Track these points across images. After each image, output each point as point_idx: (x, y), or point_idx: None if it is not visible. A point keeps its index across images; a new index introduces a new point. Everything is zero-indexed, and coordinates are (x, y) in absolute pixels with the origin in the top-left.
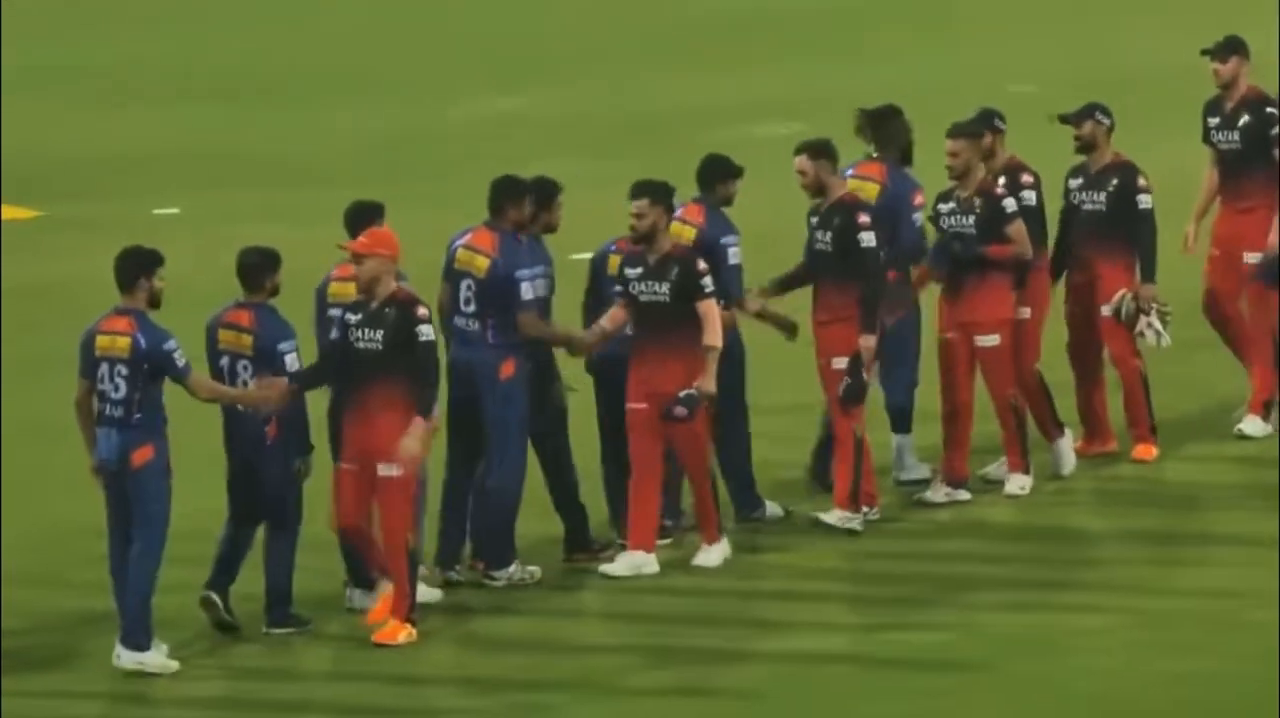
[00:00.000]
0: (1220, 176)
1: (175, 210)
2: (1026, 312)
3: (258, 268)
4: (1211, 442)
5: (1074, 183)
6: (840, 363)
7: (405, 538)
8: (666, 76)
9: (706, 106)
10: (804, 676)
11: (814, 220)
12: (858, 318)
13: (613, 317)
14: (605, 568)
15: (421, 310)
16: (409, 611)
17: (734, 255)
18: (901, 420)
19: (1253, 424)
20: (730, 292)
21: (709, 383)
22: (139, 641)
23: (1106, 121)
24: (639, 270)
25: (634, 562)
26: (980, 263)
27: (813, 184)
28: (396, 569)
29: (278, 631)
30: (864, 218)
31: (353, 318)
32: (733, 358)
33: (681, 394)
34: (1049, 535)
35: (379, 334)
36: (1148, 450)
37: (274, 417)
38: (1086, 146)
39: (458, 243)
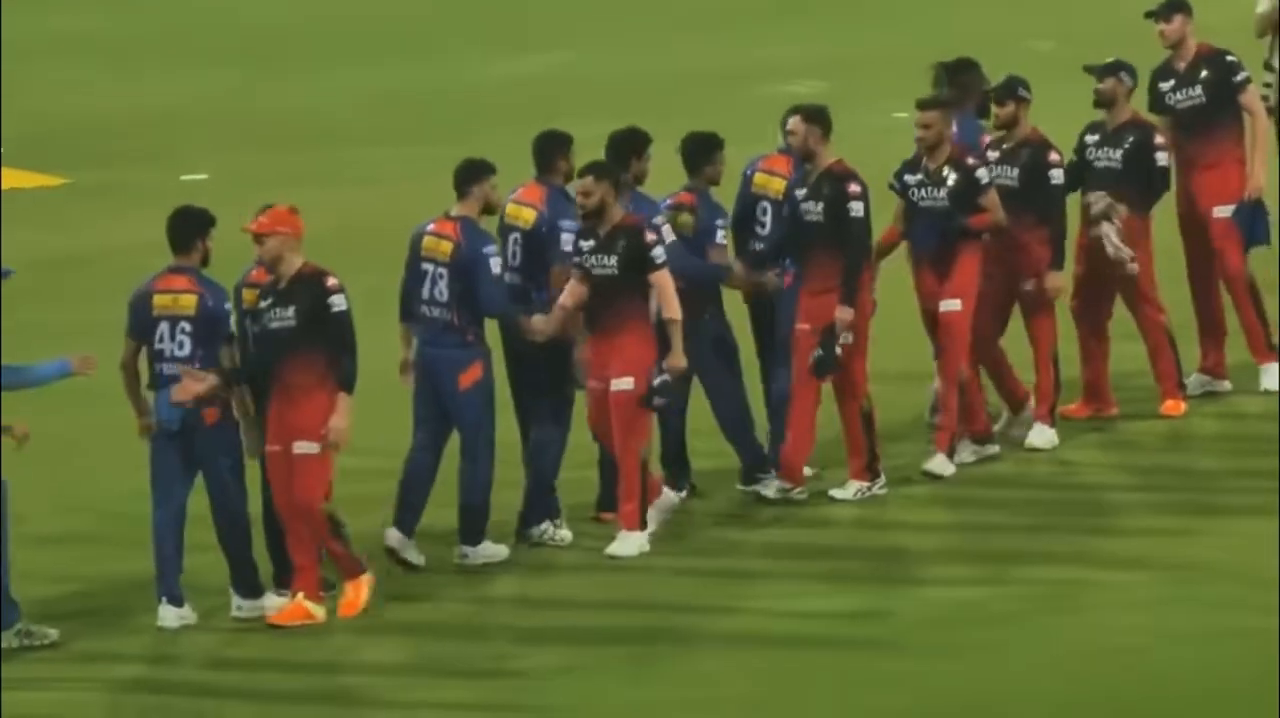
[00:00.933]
0: (1181, 138)
1: (203, 176)
2: (1059, 288)
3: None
4: (1237, 397)
5: (1090, 139)
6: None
7: (321, 511)
8: (699, 37)
9: (740, 67)
10: (828, 634)
11: (801, 192)
12: (839, 288)
13: (572, 291)
14: (611, 549)
15: (331, 281)
16: (357, 564)
17: (720, 237)
18: None
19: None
20: (719, 274)
21: (675, 358)
22: (253, 585)
23: (1129, 82)
24: (590, 243)
25: (636, 541)
26: (962, 234)
27: (801, 146)
28: (312, 550)
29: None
30: (854, 187)
31: (263, 301)
32: (720, 334)
33: (655, 383)
34: (1073, 494)
35: (290, 311)
36: (1176, 406)
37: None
38: (1105, 102)
39: (507, 199)
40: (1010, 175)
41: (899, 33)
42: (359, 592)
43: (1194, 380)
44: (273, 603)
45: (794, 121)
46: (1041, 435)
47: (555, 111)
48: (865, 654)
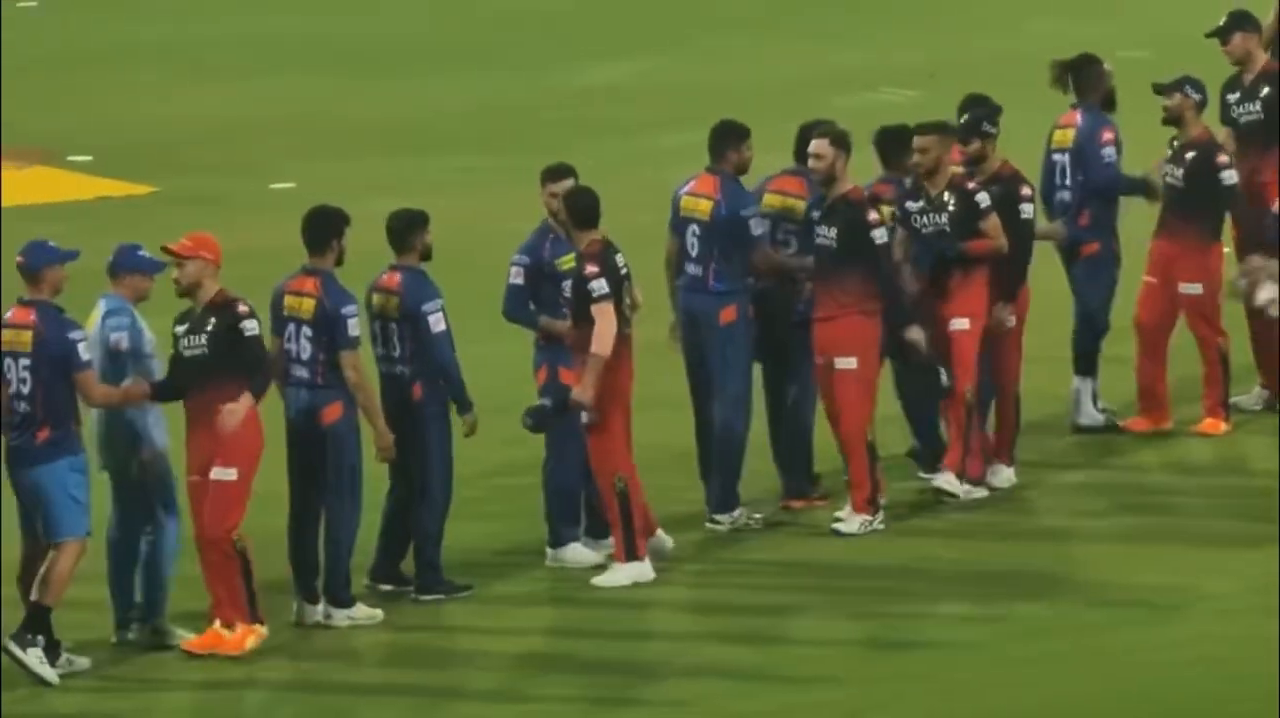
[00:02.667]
0: (1240, 150)
1: (291, 184)
2: (1012, 320)
3: (398, 230)
4: None
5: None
6: (845, 362)
7: (231, 541)
8: (787, 44)
9: (828, 73)
10: (936, 637)
11: (816, 214)
12: (881, 313)
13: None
14: (597, 580)
15: (243, 308)
16: (253, 612)
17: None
18: (1084, 362)
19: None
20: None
21: (583, 391)
22: (343, 597)
23: (1196, 96)
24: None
25: (630, 573)
26: (961, 260)
27: (826, 170)
28: (228, 578)
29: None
30: (874, 215)
31: (179, 328)
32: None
33: (530, 406)
34: (1149, 505)
35: (203, 339)
36: (1215, 425)
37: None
38: (1173, 119)
39: (681, 191)
40: None
41: (990, 40)
42: (243, 638)
43: (1254, 395)
44: (362, 613)
45: (821, 145)
46: (999, 475)
47: (643, 120)
48: (974, 659)
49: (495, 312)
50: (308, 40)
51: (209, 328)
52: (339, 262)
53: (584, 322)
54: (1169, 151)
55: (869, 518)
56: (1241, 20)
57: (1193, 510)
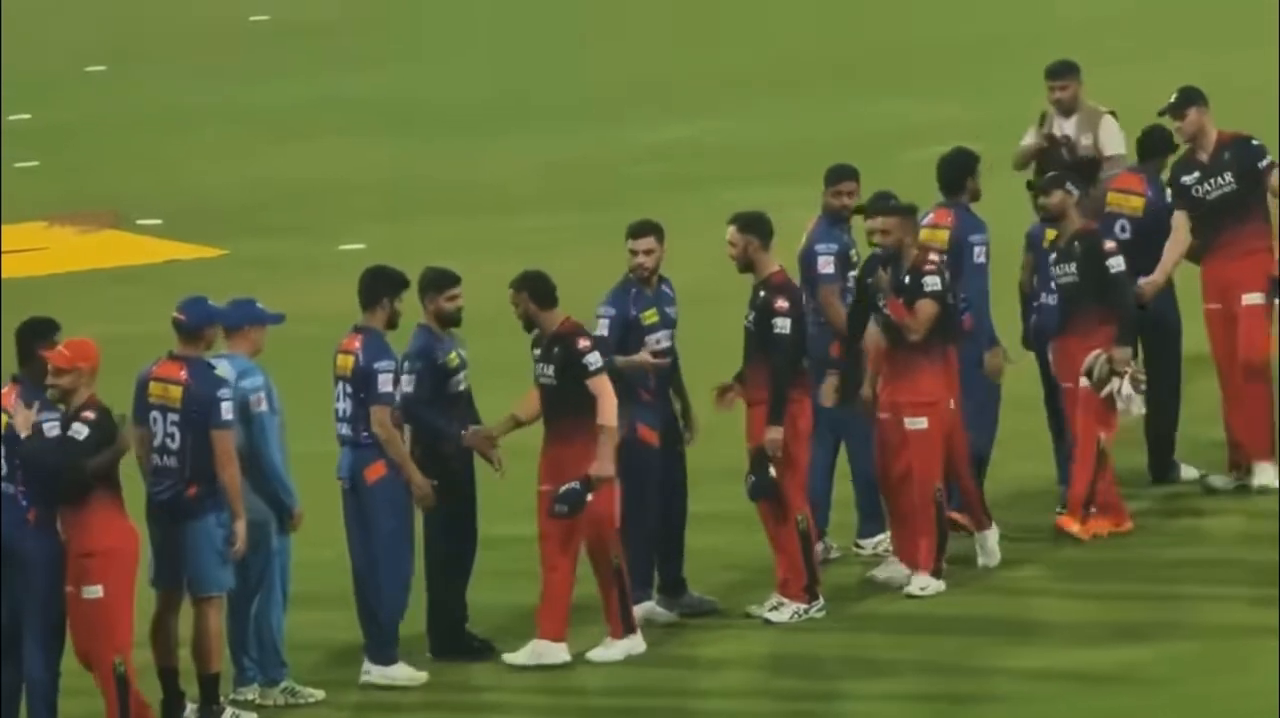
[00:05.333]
0: (1210, 229)
1: (361, 245)
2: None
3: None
4: None
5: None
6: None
7: (112, 666)
8: (847, 101)
9: (886, 130)
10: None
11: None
12: (768, 407)
13: (527, 401)
14: (509, 657)
15: (89, 414)
16: None
17: (979, 254)
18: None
19: (1263, 473)
20: (974, 294)
21: (602, 466)
22: (383, 655)
23: (1076, 192)
24: (537, 352)
25: (538, 650)
26: (893, 329)
27: (740, 257)
28: (108, 694)
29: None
30: (781, 303)
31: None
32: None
33: (561, 489)
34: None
35: (80, 436)
36: (1069, 522)
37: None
38: (1054, 217)
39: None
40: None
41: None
42: None
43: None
44: (403, 673)
45: (731, 232)
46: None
47: (707, 177)
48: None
49: None
50: (379, 101)
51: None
52: (392, 323)
53: (556, 400)
54: (1054, 254)
55: (803, 607)
56: (1194, 96)
57: None
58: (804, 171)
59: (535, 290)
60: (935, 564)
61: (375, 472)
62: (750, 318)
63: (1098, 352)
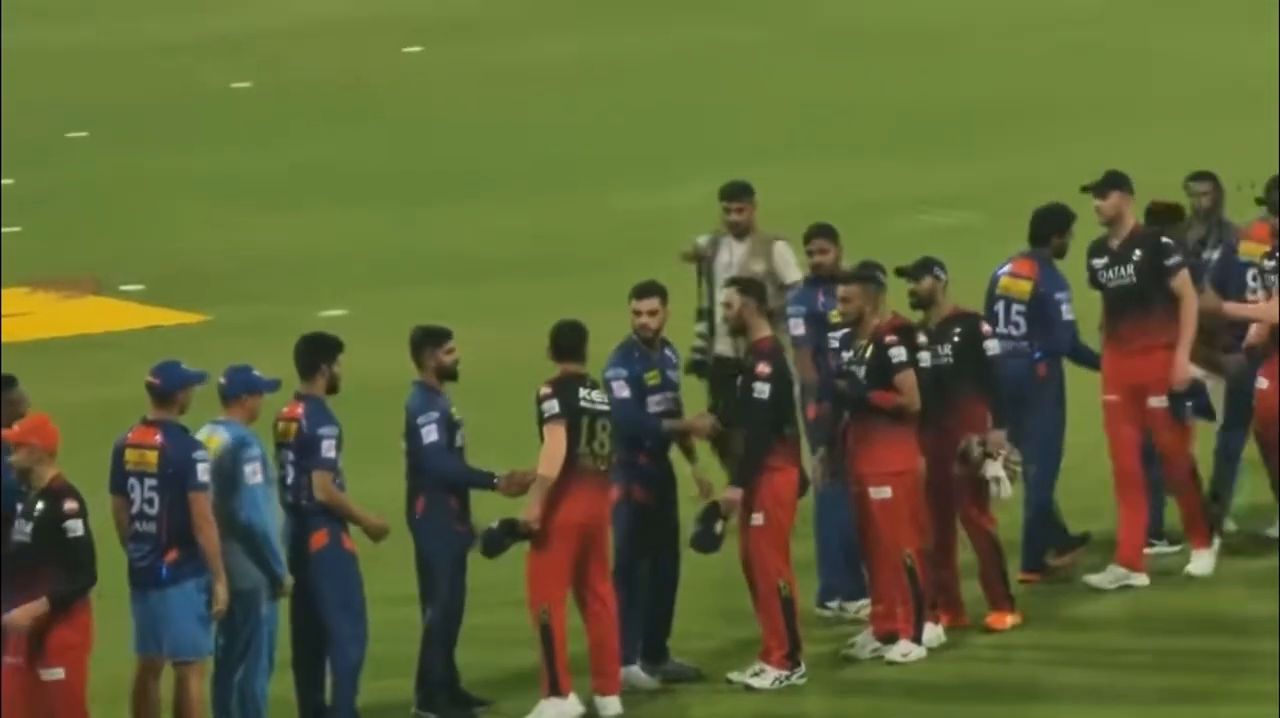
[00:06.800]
0: (1110, 317)
1: (343, 312)
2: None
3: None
4: None
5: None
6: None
7: None
8: (843, 168)
9: (881, 198)
10: None
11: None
12: (734, 469)
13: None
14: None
15: (70, 505)
16: None
17: (1067, 311)
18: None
19: (1200, 561)
20: (1060, 347)
21: (529, 511)
22: None
23: (945, 277)
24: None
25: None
26: (866, 408)
27: (735, 318)
28: None
29: None
30: (763, 368)
31: (19, 507)
32: None
33: (487, 528)
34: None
35: (28, 528)
36: (1000, 619)
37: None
38: (924, 303)
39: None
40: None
41: (1057, 162)
42: None
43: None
44: None
45: (729, 294)
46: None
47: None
48: None
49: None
50: (361, 168)
51: (35, 516)
52: (332, 388)
53: None
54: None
55: (785, 673)
56: (1120, 180)
57: None
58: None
59: (554, 343)
60: (915, 631)
61: (319, 540)
62: (739, 382)
63: (971, 435)
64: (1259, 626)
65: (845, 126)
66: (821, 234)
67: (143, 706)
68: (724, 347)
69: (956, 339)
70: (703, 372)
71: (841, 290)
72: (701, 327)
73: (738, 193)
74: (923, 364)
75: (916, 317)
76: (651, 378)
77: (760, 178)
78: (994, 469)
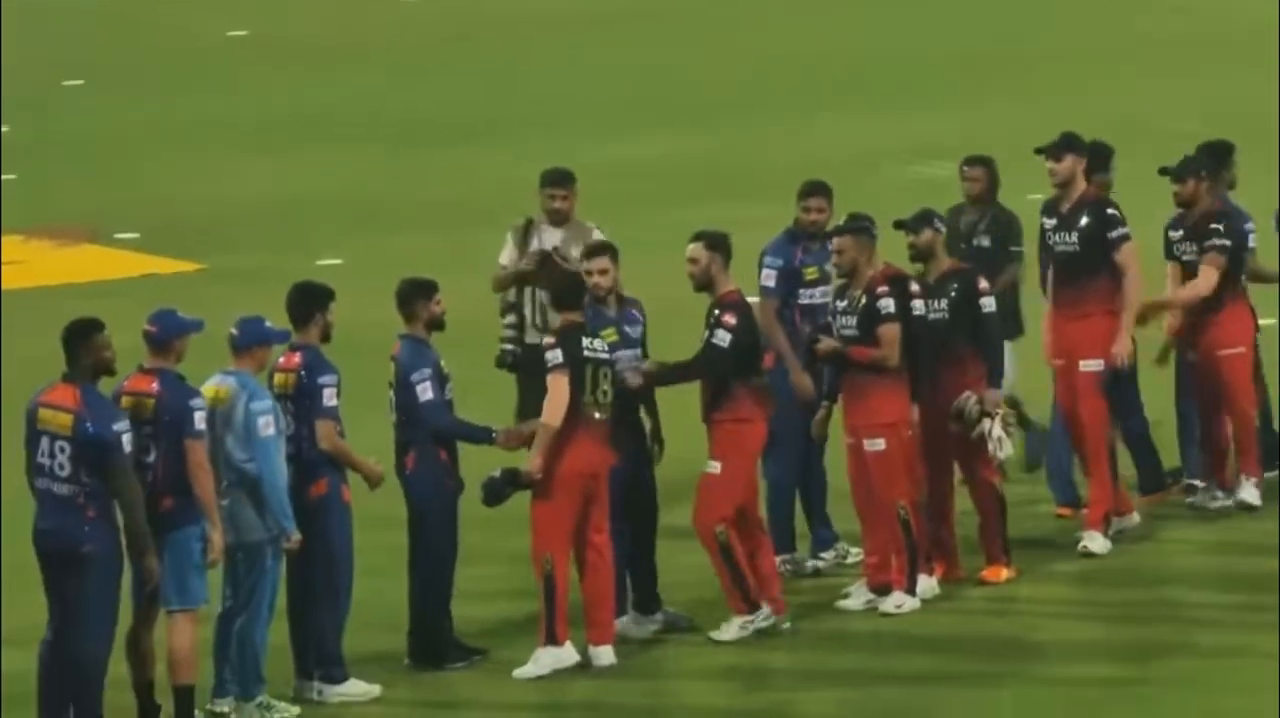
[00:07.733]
0: (1056, 283)
1: (339, 261)
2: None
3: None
4: None
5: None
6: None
7: None
8: (820, 120)
9: (861, 149)
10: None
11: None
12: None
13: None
14: (518, 673)
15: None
16: None
17: (1251, 240)
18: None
19: (1093, 539)
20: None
21: (531, 461)
22: (335, 673)
23: (944, 229)
24: None
25: (549, 660)
26: (846, 364)
27: (701, 274)
28: None
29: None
30: (728, 318)
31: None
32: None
33: (488, 478)
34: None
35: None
36: (996, 572)
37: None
38: (923, 256)
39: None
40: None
41: (1041, 113)
42: None
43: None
44: (356, 689)
45: (695, 248)
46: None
47: (686, 196)
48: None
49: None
50: (356, 115)
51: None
52: (326, 336)
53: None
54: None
55: (748, 618)
56: (1074, 142)
57: None
58: (758, 192)
59: (553, 293)
60: (909, 583)
61: (318, 489)
62: (703, 334)
63: (968, 393)
64: (1256, 582)
65: (831, 78)
66: (819, 192)
67: (135, 655)
68: (534, 338)
69: (953, 294)
70: (513, 365)
71: (835, 242)
72: (511, 318)
73: (561, 179)
74: (917, 313)
75: (915, 271)
76: (608, 335)
77: (745, 129)
78: (994, 428)
